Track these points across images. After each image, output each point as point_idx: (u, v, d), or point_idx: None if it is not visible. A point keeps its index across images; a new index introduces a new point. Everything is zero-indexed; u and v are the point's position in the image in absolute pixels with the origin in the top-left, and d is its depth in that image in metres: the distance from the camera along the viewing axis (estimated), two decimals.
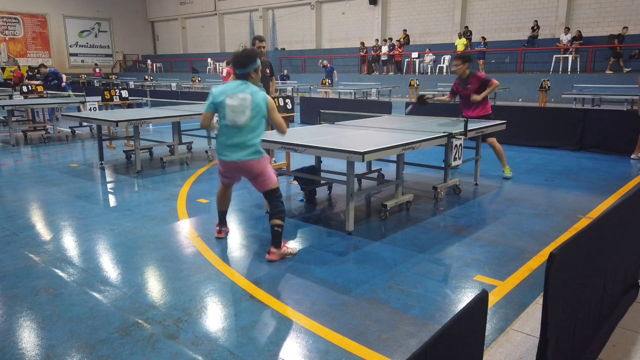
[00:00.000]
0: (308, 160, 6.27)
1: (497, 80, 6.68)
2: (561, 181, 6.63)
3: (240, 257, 4.08)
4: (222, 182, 4.30)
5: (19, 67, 24.16)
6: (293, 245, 4.30)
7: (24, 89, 14.42)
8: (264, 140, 4.85)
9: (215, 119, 4.05)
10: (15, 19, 33.08)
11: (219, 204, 4.42)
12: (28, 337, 2.88)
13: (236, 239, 4.52)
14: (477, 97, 6.57)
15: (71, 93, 13.29)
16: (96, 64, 33.04)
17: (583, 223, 4.81)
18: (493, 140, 6.57)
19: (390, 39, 24.41)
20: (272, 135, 4.93)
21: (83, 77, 28.75)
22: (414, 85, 18.39)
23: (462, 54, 6.90)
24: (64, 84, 14.11)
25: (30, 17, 33.73)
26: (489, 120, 6.59)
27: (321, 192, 5.98)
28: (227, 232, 4.57)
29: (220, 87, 3.99)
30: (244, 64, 3.86)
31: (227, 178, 4.22)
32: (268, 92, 6.86)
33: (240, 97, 3.81)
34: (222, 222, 4.48)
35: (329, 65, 22.48)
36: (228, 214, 4.56)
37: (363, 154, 4.09)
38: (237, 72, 3.91)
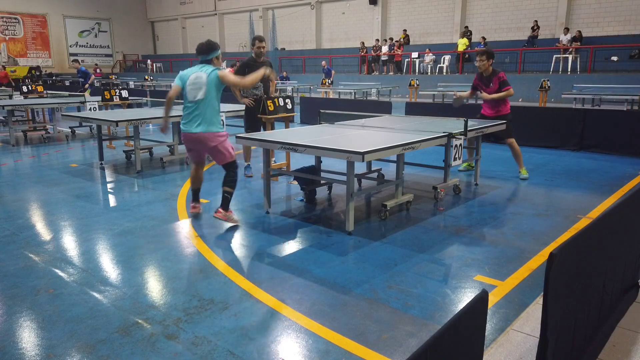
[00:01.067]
0: (308, 160, 6.27)
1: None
2: (561, 181, 6.62)
3: (240, 257, 4.08)
4: (192, 160, 4.91)
5: (3, 66, 24.18)
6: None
7: (24, 88, 14.45)
8: (263, 140, 4.90)
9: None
10: (15, 19, 33.08)
11: (192, 183, 5.00)
12: (28, 337, 2.88)
13: (236, 239, 4.52)
14: (486, 96, 6.56)
15: (86, 94, 13.37)
16: (96, 64, 33.02)
17: (583, 223, 4.81)
18: (512, 140, 6.55)
19: (391, 39, 24.41)
20: (272, 135, 4.93)
21: None
22: (414, 85, 18.40)
23: (488, 49, 6.77)
24: (86, 85, 14.33)
25: (30, 17, 33.73)
26: (502, 120, 6.49)
27: (321, 192, 5.98)
28: (200, 209, 5.10)
29: (187, 70, 4.67)
30: (205, 52, 4.57)
31: (191, 151, 4.80)
32: (268, 93, 6.86)
33: (197, 75, 4.46)
34: (195, 199, 5.04)
35: (326, 65, 22.64)
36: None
37: (363, 154, 4.09)
38: (201, 58, 4.59)
